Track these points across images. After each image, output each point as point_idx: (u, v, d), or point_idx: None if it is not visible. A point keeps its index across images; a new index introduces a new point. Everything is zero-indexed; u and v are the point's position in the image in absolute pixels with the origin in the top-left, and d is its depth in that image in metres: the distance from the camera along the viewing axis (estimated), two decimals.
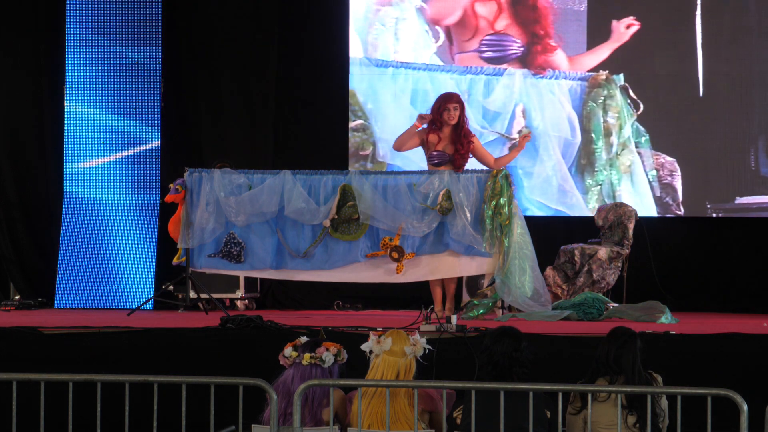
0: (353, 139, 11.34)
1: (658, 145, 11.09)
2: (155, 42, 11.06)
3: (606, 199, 10.97)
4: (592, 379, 5.68)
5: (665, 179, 11.08)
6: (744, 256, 11.00)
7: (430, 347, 5.96)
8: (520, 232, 8.79)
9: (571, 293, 9.73)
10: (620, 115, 11.11)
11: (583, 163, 11.15)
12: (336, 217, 8.88)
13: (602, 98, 11.14)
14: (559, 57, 11.18)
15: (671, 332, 7.48)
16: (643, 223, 10.37)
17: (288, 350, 5.96)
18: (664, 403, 5.64)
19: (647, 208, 10.97)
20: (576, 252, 9.94)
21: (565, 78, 11.18)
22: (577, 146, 11.16)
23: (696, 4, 11.05)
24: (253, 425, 5.74)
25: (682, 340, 7.32)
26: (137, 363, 7.22)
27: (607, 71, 11.13)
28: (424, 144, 9.11)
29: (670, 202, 11.07)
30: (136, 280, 10.82)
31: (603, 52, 11.14)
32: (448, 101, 9.05)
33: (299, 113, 11.52)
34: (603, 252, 9.92)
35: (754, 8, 11.06)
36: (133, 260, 10.88)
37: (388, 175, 9.20)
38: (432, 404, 5.79)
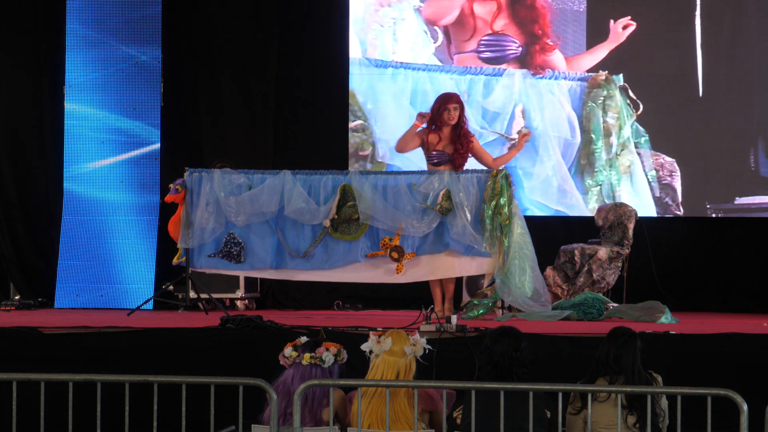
0: (353, 139, 11.34)
1: (657, 146, 11.09)
2: (155, 42, 11.06)
3: (606, 200, 10.97)
4: (592, 379, 5.68)
5: (665, 179, 11.08)
6: (744, 256, 11.00)
7: (430, 347, 5.96)
8: (520, 232, 8.79)
9: (571, 293, 9.73)
10: (620, 115, 11.11)
11: (583, 163, 11.16)
12: (336, 217, 8.88)
13: (602, 98, 11.14)
14: (558, 57, 11.18)
15: (671, 332, 7.48)
16: (643, 223, 10.37)
17: (288, 350, 5.96)
18: (664, 403, 5.64)
19: (647, 209, 10.97)
20: (576, 252, 9.94)
21: (565, 78, 11.18)
22: (576, 146, 11.16)
23: (696, 4, 11.05)
24: (253, 425, 5.74)
25: (682, 340, 7.31)
26: (137, 363, 7.22)
27: (606, 71, 11.13)
28: (424, 144, 9.12)
29: (670, 202, 11.07)
30: (136, 280, 10.82)
31: (601, 52, 11.14)
32: (448, 101, 9.06)
33: (299, 113, 11.53)
34: (603, 252, 9.92)
35: (753, 8, 11.06)
36: (133, 260, 10.88)
37: (388, 175, 9.21)
38: (432, 404, 5.79)
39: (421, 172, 9.03)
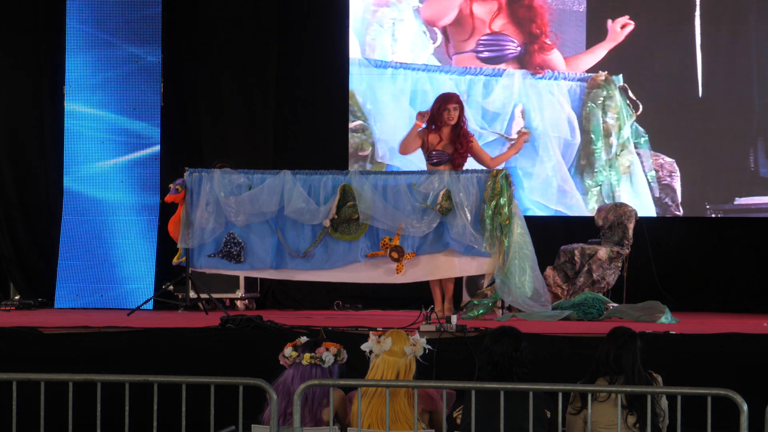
0: (352, 139, 11.34)
1: (657, 146, 11.09)
2: (155, 42, 11.06)
3: (605, 200, 10.97)
4: (592, 379, 5.69)
5: (664, 180, 11.08)
6: (744, 256, 11.00)
7: (430, 347, 5.96)
8: (520, 232, 8.79)
9: (571, 293, 9.73)
10: (619, 115, 11.12)
11: (583, 163, 11.16)
12: (336, 217, 8.88)
13: (601, 99, 11.14)
14: (557, 57, 11.18)
15: (671, 332, 7.48)
16: (642, 223, 10.37)
17: (288, 350, 5.96)
18: (664, 403, 5.64)
19: (646, 209, 10.97)
20: (576, 252, 9.94)
21: (565, 79, 11.18)
22: (576, 147, 11.16)
23: (695, 4, 11.05)
24: (253, 425, 5.74)
25: (682, 340, 7.31)
26: (137, 363, 7.22)
27: (606, 72, 11.14)
28: (424, 144, 9.13)
29: (670, 202, 11.07)
30: (136, 280, 10.82)
31: (600, 52, 11.14)
32: (447, 102, 9.07)
33: (299, 113, 11.53)
34: (603, 252, 9.92)
35: (753, 8, 11.07)
36: (133, 260, 10.88)
37: (388, 175, 9.21)
38: (432, 404, 5.80)
39: (421, 172, 9.03)
